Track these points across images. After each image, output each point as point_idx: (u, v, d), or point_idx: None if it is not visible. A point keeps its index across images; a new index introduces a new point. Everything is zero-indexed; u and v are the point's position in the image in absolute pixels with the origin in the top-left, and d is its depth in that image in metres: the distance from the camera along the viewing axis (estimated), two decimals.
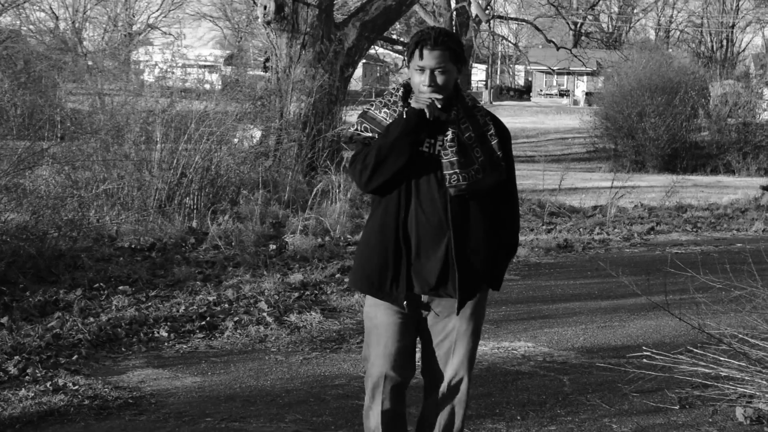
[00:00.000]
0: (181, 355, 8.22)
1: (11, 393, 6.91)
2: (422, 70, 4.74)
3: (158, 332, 8.75)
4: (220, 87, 18.07)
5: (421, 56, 4.72)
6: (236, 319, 9.23)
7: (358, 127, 4.92)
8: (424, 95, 4.74)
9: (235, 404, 6.93)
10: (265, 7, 20.02)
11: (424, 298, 4.91)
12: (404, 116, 4.76)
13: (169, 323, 8.99)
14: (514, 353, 8.45)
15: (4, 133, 11.39)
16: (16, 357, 7.62)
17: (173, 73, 17.39)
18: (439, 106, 4.73)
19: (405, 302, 4.86)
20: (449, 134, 4.77)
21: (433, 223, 4.81)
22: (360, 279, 4.98)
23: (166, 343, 8.53)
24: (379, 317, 4.95)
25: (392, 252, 4.82)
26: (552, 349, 8.61)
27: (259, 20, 21.17)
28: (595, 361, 8.16)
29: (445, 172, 4.76)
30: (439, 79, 4.74)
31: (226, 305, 9.74)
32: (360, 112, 5.01)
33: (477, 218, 4.86)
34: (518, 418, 6.77)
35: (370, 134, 4.85)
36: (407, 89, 4.91)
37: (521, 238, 15.05)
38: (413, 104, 4.76)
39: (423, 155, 4.81)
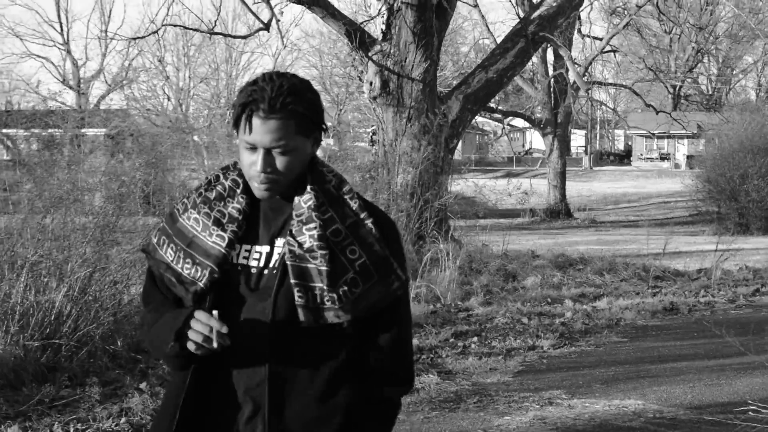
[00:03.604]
0: None
1: None
2: (253, 147, 3.06)
3: None
4: (325, 158, 18.76)
5: (249, 128, 3.03)
6: None
7: (156, 239, 3.26)
8: (256, 184, 3.10)
9: None
10: (371, 84, 20.75)
11: None
12: (168, 342, 3.07)
13: None
14: (624, 410, 8.81)
15: (133, 210, 12.10)
16: None
17: None
18: (214, 346, 2.99)
19: None
20: (314, 229, 3.09)
21: (246, 371, 3.13)
22: None
23: None
24: None
25: (173, 419, 3.15)
26: (661, 406, 8.95)
27: (366, 96, 21.91)
28: (704, 416, 8.51)
29: (299, 290, 3.05)
30: (280, 162, 3.05)
31: None
32: (169, 208, 3.39)
33: (321, 359, 3.14)
34: None
35: (170, 258, 3.19)
36: (236, 177, 3.25)
37: (626, 302, 15.37)
38: (183, 339, 3.04)
39: (246, 273, 3.16)
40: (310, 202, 3.11)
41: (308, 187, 3.13)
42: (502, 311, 14.15)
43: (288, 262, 3.07)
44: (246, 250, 3.16)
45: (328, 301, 3.05)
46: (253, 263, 3.15)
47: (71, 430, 7.83)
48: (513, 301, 15.05)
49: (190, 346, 3.02)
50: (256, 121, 3.01)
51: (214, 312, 3.02)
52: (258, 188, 3.10)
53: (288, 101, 3.01)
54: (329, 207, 3.13)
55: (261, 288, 3.11)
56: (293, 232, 3.10)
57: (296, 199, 3.14)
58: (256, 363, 3.09)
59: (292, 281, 3.05)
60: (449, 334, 12.29)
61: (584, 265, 19.84)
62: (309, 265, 3.06)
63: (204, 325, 2.99)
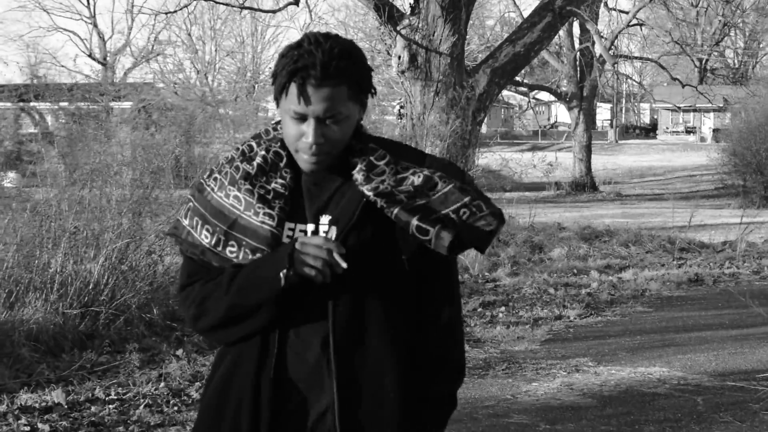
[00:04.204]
0: None
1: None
2: (302, 117, 2.77)
3: None
4: None
5: (303, 98, 2.74)
6: None
7: (188, 221, 2.93)
8: (305, 156, 2.82)
9: None
10: (399, 58, 20.90)
11: None
12: (277, 278, 2.76)
13: None
14: (650, 377, 9.02)
15: (168, 183, 12.36)
16: (197, 383, 8.50)
17: None
18: (343, 265, 2.73)
19: None
20: (412, 168, 2.89)
21: (311, 361, 2.86)
22: None
23: None
24: None
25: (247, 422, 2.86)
26: (686, 373, 9.15)
27: (394, 70, 22.08)
28: (727, 382, 8.71)
29: (428, 224, 2.82)
30: (332, 132, 2.79)
31: None
32: (196, 183, 3.03)
33: (388, 341, 2.89)
34: None
35: (206, 240, 2.88)
36: (278, 146, 2.96)
37: (651, 273, 15.53)
38: (297, 265, 2.75)
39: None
40: (387, 158, 2.88)
41: (371, 146, 2.89)
42: (528, 282, 14.37)
43: (395, 210, 2.82)
44: (290, 229, 2.87)
45: (473, 213, 2.85)
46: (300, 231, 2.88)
47: (112, 394, 8.10)
48: (539, 272, 15.26)
49: (309, 272, 2.74)
50: (307, 90, 2.72)
51: (321, 232, 2.84)
52: (307, 161, 2.82)
53: (342, 65, 2.73)
54: (400, 159, 2.90)
55: None
56: (388, 185, 2.84)
57: (371, 158, 2.87)
58: (313, 353, 2.85)
59: (415, 223, 2.80)
60: (477, 303, 12.53)
61: (610, 237, 20.00)
62: (428, 199, 2.84)
63: (320, 249, 2.74)
